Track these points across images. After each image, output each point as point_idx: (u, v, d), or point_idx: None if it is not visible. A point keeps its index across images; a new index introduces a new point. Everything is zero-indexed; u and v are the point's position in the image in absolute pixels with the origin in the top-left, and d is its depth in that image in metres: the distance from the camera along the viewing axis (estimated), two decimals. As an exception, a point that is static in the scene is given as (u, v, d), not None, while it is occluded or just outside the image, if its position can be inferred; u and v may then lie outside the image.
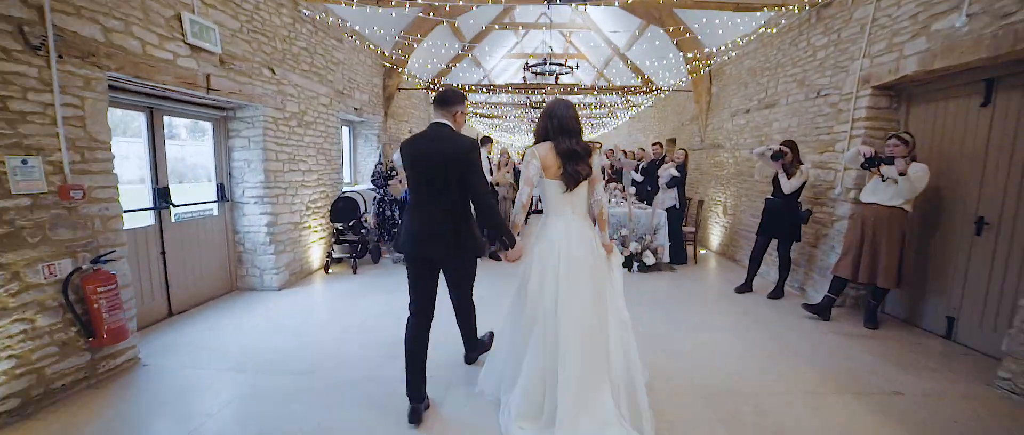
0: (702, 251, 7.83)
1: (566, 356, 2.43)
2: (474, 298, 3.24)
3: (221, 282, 5.01)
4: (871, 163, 3.91)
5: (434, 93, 11.84)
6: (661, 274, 6.19)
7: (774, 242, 5.13)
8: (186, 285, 4.49)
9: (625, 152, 9.55)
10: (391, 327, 4.16)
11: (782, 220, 4.90)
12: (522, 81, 11.50)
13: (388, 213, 7.11)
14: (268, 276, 5.22)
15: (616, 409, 2.43)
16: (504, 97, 16.53)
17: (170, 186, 4.22)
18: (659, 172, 6.82)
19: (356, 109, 7.56)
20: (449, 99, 2.74)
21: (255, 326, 4.19)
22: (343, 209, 6.16)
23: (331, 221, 6.21)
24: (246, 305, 4.77)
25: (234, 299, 4.94)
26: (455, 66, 11.61)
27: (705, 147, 8.58)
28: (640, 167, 8.15)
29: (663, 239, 6.40)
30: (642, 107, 13.07)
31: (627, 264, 6.17)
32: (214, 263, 4.89)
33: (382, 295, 5.16)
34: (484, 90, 11.95)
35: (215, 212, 4.96)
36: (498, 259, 6.77)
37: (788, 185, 4.76)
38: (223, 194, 4.99)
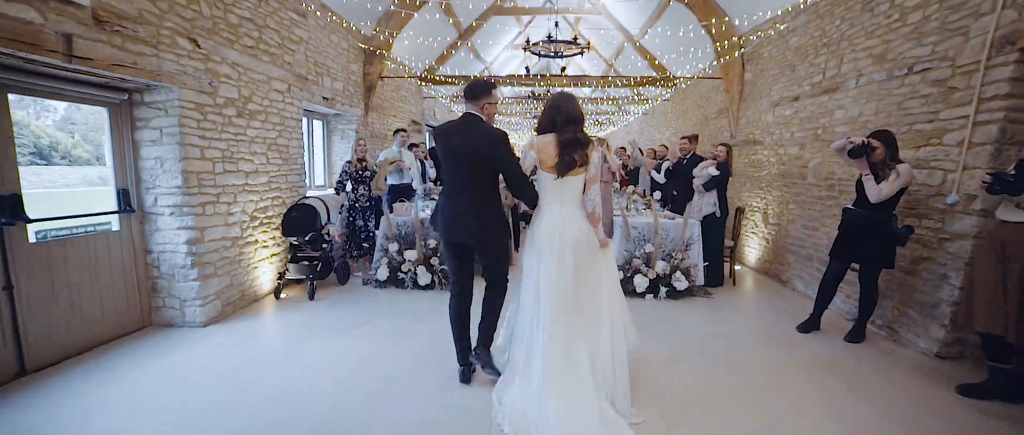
0: (736, 267, 6.52)
1: (544, 328, 2.56)
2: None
3: (126, 318, 3.79)
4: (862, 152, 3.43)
5: (426, 85, 10.61)
6: (694, 302, 4.91)
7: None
8: (60, 329, 3.26)
9: (643, 151, 8.24)
10: (344, 387, 2.93)
11: (868, 239, 3.60)
12: (524, 72, 10.24)
13: (360, 222, 5.87)
14: (191, 309, 3.99)
15: (592, 379, 2.53)
16: (506, 91, 15.24)
17: (24, 192, 2.99)
18: (694, 172, 5.54)
19: (326, 99, 6.33)
20: (475, 91, 2.82)
21: (144, 384, 2.97)
22: (297, 220, 4.92)
23: (283, 235, 4.98)
24: (152, 349, 3.55)
25: (140, 341, 3.71)
26: (452, 55, 10.37)
27: (737, 143, 7.28)
28: (664, 166, 6.86)
29: (697, 256, 5.13)
30: (657, 100, 11.76)
31: (652, 289, 4.90)
32: (113, 294, 3.67)
33: (338, 335, 3.92)
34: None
35: (115, 226, 3.73)
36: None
37: (876, 192, 3.48)
38: (127, 203, 3.76)
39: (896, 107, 3.98)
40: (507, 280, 3.01)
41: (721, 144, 5.50)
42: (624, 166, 9.09)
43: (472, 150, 2.70)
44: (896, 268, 3.74)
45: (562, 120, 2.62)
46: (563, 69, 10.24)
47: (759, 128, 6.61)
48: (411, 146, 7.10)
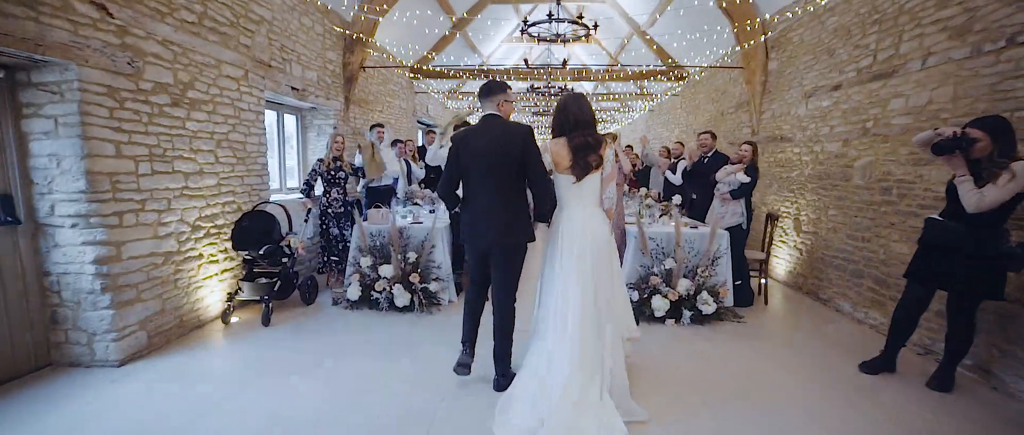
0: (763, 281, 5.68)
1: (565, 341, 2.49)
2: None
3: (13, 357, 2.95)
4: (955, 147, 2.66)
5: (419, 79, 9.77)
6: (724, 328, 4.07)
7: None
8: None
9: (669, 150, 7.35)
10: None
11: (962, 259, 2.75)
12: (523, 63, 9.40)
13: (335, 231, 5.03)
14: (102, 344, 3.15)
15: (600, 393, 2.44)
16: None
17: None
18: (718, 177, 4.71)
19: (296, 90, 5.49)
20: (490, 89, 2.80)
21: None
22: (249, 231, 4.08)
23: (233, 248, 4.14)
24: (48, 398, 2.72)
25: (35, 387, 2.88)
26: (445, 47, 9.52)
27: (760, 140, 6.44)
28: (682, 166, 6.02)
29: (726, 273, 4.29)
30: (665, 96, 10.90)
31: (674, 313, 4.06)
32: (-6, 329, 2.84)
33: (281, 384, 3.08)
34: (480, 74, 9.87)
35: (-3, 242, 2.90)
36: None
37: (976, 198, 2.63)
38: (8, 212, 2.92)
39: (988, 90, 3.13)
40: (514, 306, 2.84)
41: (746, 142, 4.66)
42: (633, 166, 8.25)
43: (500, 150, 2.63)
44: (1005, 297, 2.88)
45: (571, 123, 2.63)
46: (564, 62, 9.42)
47: (788, 123, 5.77)
48: (394, 143, 6.27)
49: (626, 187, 6.05)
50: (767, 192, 6.19)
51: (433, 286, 4.37)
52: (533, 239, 2.81)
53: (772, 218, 4.88)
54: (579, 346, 2.44)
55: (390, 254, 4.40)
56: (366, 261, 4.37)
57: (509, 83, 3.10)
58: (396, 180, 5.96)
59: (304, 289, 4.55)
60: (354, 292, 4.41)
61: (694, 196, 5.45)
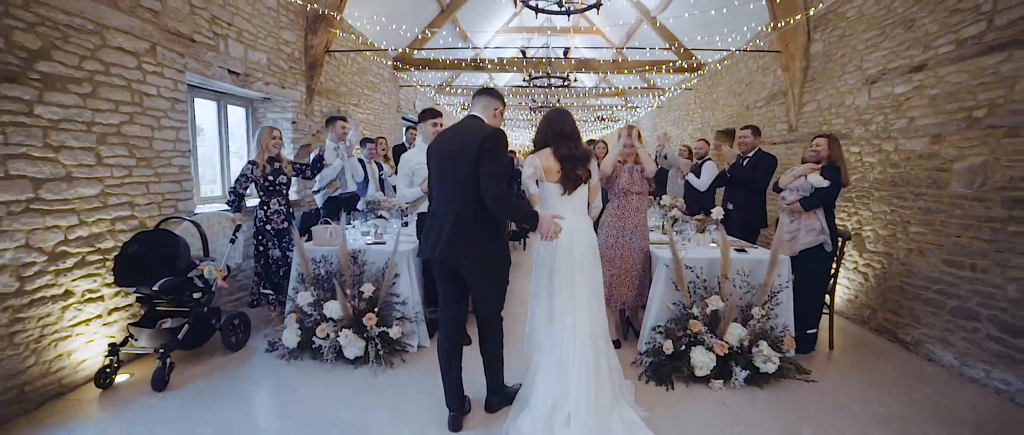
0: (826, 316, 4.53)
1: (574, 357, 2.38)
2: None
3: None
4: None
5: (407, 68, 8.62)
6: (787, 391, 2.92)
7: None
8: None
9: (690, 150, 6.15)
10: None
11: None
12: (519, 54, 8.27)
13: (276, 253, 3.87)
14: None
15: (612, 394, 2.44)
16: (500, 80, 13.25)
17: None
18: (783, 182, 3.58)
19: (236, 74, 4.34)
20: (486, 93, 2.54)
21: None
22: (137, 259, 2.92)
23: (116, 284, 2.98)
24: None
25: None
26: (434, 35, 8.37)
27: (800, 139, 5.31)
28: (709, 169, 4.88)
29: (788, 315, 3.16)
30: (676, 90, 9.76)
31: (722, 372, 2.91)
32: None
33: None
34: (474, 66, 8.73)
35: None
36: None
37: None
38: None
39: None
40: (501, 319, 2.57)
41: (819, 136, 3.53)
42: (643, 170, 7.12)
43: (459, 149, 2.32)
44: None
45: (553, 136, 2.52)
46: (566, 51, 8.28)
47: (841, 115, 4.63)
48: (364, 142, 5.12)
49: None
50: (812, 200, 5.04)
51: (396, 330, 3.22)
52: (498, 257, 2.46)
53: (844, 239, 3.71)
54: (587, 390, 2.32)
55: (340, 286, 3.26)
56: (305, 297, 3.22)
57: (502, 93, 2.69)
58: (363, 186, 4.81)
59: (228, 331, 3.40)
60: (291, 337, 3.26)
61: (730, 206, 4.31)
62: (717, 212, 3.67)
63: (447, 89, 11.48)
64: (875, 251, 4.07)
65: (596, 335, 2.44)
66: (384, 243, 3.58)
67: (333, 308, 3.18)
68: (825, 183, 3.38)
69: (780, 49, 5.51)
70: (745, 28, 6.55)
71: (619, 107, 13.49)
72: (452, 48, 8.80)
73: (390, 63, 8.49)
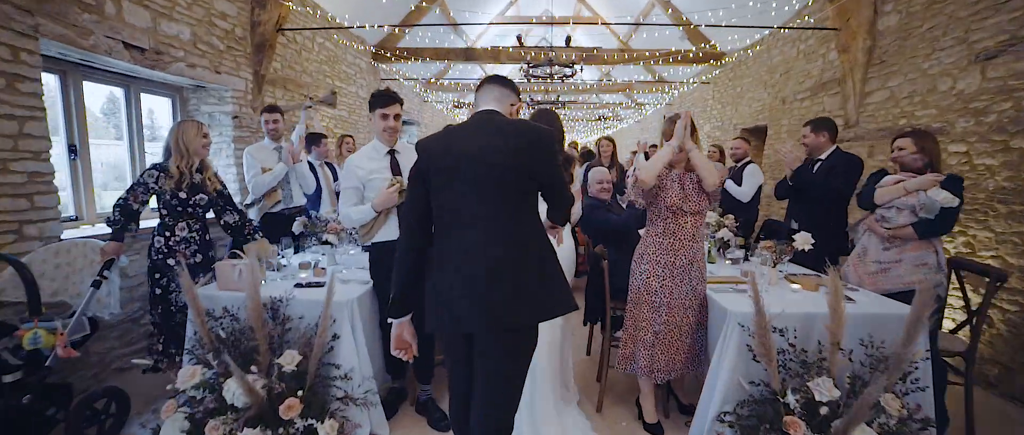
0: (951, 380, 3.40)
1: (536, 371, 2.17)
2: None
3: None
4: None
5: (390, 58, 7.48)
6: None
7: None
8: None
9: (722, 151, 4.98)
10: None
11: None
12: (516, 42, 7.15)
13: (174, 305, 2.70)
14: None
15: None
16: (491, 68, 12.01)
17: None
18: (879, 196, 2.48)
19: (140, 50, 3.20)
20: (497, 81, 1.68)
21: None
22: None
23: None
24: None
25: None
26: (420, 20, 7.24)
27: (862, 137, 4.22)
28: (752, 175, 3.79)
29: (929, 400, 2.04)
30: (693, 82, 8.64)
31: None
32: None
33: None
34: (464, 56, 7.60)
35: None
36: None
37: None
38: None
39: None
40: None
41: (905, 134, 2.48)
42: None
43: (494, 154, 1.46)
44: None
45: None
46: (568, 39, 7.17)
47: (933, 105, 3.53)
48: (313, 140, 3.99)
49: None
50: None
51: (330, 426, 2.08)
52: (572, 307, 1.57)
53: (956, 265, 2.61)
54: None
55: (251, 352, 2.13)
56: (189, 375, 2.08)
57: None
58: (315, 199, 3.68)
59: (84, 419, 2.25)
60: (174, 432, 2.12)
61: (795, 225, 3.19)
62: (803, 238, 2.54)
63: (438, 84, 10.33)
64: (1007, 288, 2.97)
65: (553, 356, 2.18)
66: (323, 285, 2.45)
67: (234, 391, 2.04)
68: (955, 201, 2.29)
69: (838, 26, 4.40)
70: (773, 11, 5.44)
71: (623, 105, 12.38)
72: (440, 23, 7.66)
73: (370, 49, 7.35)
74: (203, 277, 2.46)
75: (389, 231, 2.37)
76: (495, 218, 1.48)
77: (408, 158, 2.44)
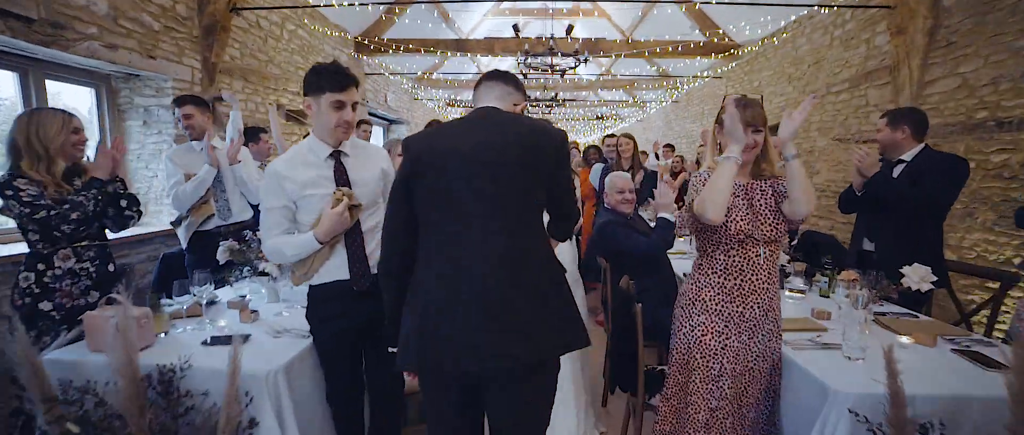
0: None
1: None
2: None
3: None
4: None
5: (366, 51, 6.75)
6: None
7: None
8: None
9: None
10: None
11: None
12: (513, 33, 6.43)
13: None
14: None
15: None
16: (485, 63, 11.24)
17: None
18: None
19: (27, 21, 2.45)
20: (499, 77, 1.41)
21: None
22: None
23: None
24: None
25: None
26: (405, 8, 6.51)
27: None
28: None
29: None
30: (704, 77, 7.95)
31: None
32: None
33: None
34: (456, 48, 6.88)
35: None
36: None
37: None
38: None
39: None
40: None
41: None
42: (674, 172, 5.30)
43: (496, 152, 1.23)
44: None
45: None
46: (569, 28, 6.46)
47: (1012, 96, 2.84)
48: (250, 135, 3.25)
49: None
50: (962, 226, 3.24)
51: None
52: (585, 342, 1.33)
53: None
54: None
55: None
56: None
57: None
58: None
59: None
60: None
61: (869, 246, 2.48)
62: (917, 274, 1.83)
63: (428, 81, 9.59)
64: None
65: None
66: (249, 336, 1.73)
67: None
68: None
69: (891, 3, 3.71)
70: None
71: (625, 103, 11.69)
72: (431, 9, 6.92)
73: (352, 38, 6.61)
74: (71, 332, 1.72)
75: (335, 267, 1.64)
76: (499, 230, 1.23)
77: (363, 162, 1.71)
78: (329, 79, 1.56)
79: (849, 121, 4.42)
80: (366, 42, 6.64)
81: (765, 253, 1.56)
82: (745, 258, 1.55)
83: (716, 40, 6.70)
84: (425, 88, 9.82)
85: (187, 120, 2.62)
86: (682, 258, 3.22)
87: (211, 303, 2.15)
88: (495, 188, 1.23)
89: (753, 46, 6.17)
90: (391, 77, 8.15)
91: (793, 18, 5.25)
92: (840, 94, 4.59)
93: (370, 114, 7.53)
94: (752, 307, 1.55)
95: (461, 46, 6.76)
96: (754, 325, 1.56)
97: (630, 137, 4.13)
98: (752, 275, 1.55)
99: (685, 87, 8.79)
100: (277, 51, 4.89)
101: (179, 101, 2.69)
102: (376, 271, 1.64)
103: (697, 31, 6.82)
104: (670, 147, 6.43)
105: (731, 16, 6.07)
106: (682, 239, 3.43)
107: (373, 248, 1.67)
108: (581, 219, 4.08)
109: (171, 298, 1.87)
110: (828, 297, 2.32)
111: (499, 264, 1.21)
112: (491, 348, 1.18)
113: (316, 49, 5.72)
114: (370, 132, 4.71)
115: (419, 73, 9.03)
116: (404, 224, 1.30)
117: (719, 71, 7.34)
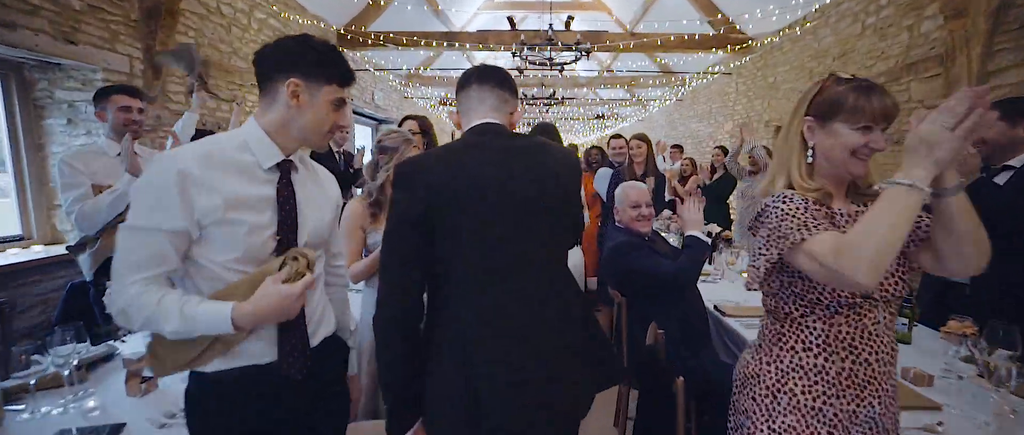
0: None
1: None
2: None
3: None
4: None
5: (351, 45, 6.18)
6: None
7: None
8: None
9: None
10: None
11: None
12: (508, 26, 5.89)
13: None
14: None
15: None
16: (482, 58, 10.67)
17: None
18: None
19: None
20: (492, 78, 1.19)
21: None
22: None
23: None
24: None
25: None
26: (390, 2, 5.95)
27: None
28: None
29: None
30: (712, 73, 7.40)
31: None
32: None
33: None
34: (446, 40, 6.33)
35: None
36: None
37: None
38: None
39: None
40: None
41: None
42: (684, 176, 4.76)
43: (537, 185, 1.11)
44: None
45: None
46: (569, 20, 5.91)
47: None
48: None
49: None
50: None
51: None
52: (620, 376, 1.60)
53: None
54: None
55: None
56: None
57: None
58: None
59: None
60: None
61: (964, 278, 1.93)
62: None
63: (418, 77, 9.01)
64: None
65: None
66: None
67: None
68: None
69: (945, -20, 3.16)
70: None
71: (625, 101, 11.13)
72: (409, 32, 6.34)
73: (334, 29, 6.04)
74: None
75: (251, 346, 1.03)
76: (540, 276, 1.12)
77: (316, 189, 1.17)
78: (336, 67, 1.05)
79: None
80: (349, 35, 6.07)
81: (884, 318, 1.00)
82: (857, 328, 0.99)
83: (725, 32, 6.16)
84: (416, 86, 9.25)
85: (124, 114, 2.06)
86: (706, 280, 2.67)
87: (107, 358, 1.60)
88: (540, 228, 1.13)
89: (769, 38, 5.62)
90: (378, 74, 7.57)
91: (816, 7, 4.71)
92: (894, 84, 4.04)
93: (355, 113, 6.96)
94: (869, 403, 0.99)
95: (452, 39, 6.19)
96: (871, 426, 1.00)
97: (643, 139, 3.52)
98: (868, 353, 0.99)
99: (691, 83, 8.24)
100: (244, 42, 4.32)
101: (105, 92, 2.13)
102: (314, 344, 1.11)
103: (705, 23, 6.29)
104: (678, 148, 5.89)
105: (744, 5, 5.53)
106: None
107: (314, 309, 1.12)
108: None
109: (46, 353, 1.30)
110: (908, 343, 1.78)
111: (551, 329, 1.10)
112: (550, 423, 1.08)
113: (278, 31, 5.14)
114: (346, 137, 4.15)
115: (406, 70, 8.44)
116: (419, 265, 1.06)
117: (730, 66, 6.79)
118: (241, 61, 4.26)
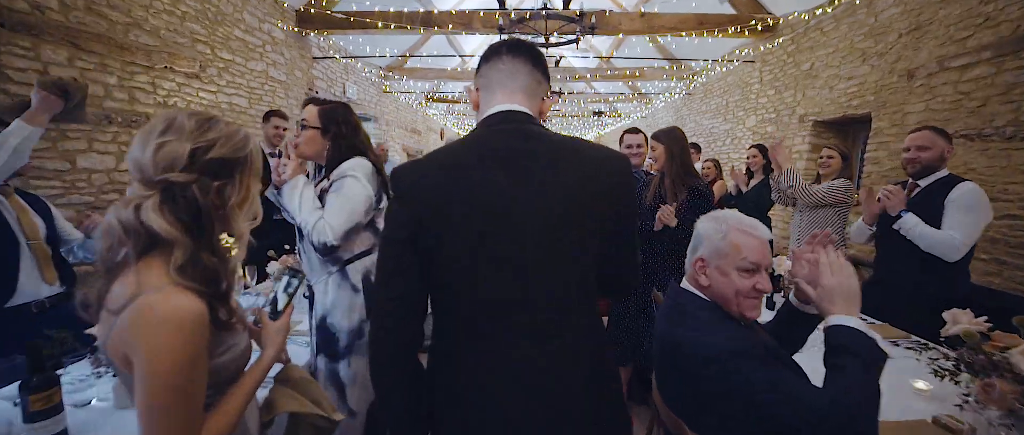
0: None
1: None
2: None
3: None
4: None
5: (315, 29, 5.20)
6: None
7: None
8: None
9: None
10: None
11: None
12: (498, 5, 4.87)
13: None
14: None
15: None
16: (472, 42, 9.70)
17: None
18: None
19: None
20: (521, 51, 0.93)
21: None
22: None
23: None
24: None
25: None
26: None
27: None
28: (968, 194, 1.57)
29: None
30: (732, 60, 6.42)
31: None
32: None
33: None
34: (426, 22, 5.32)
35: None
36: None
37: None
38: None
39: None
40: None
41: None
42: (699, 192, 3.79)
43: (562, 202, 0.84)
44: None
45: None
46: (567, 2, 4.92)
47: None
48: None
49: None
50: None
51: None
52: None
53: None
54: None
55: None
56: None
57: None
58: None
59: None
60: None
61: None
62: None
63: (400, 70, 7.99)
64: None
65: None
66: None
67: None
68: None
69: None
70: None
71: (627, 96, 10.15)
72: (379, 13, 5.31)
73: (292, 9, 5.03)
74: None
75: None
76: (564, 319, 0.87)
77: None
78: None
79: (987, 108, 2.93)
80: (312, 13, 5.06)
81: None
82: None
83: (747, 12, 5.21)
84: (397, 78, 8.22)
85: None
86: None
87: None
88: (564, 257, 0.85)
89: (804, 14, 4.65)
90: (349, 62, 6.55)
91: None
92: (968, 69, 3.08)
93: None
94: None
95: (428, 21, 5.18)
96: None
97: (669, 137, 2.45)
98: None
99: (703, 75, 7.26)
100: (156, 13, 3.31)
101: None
102: None
103: (725, 2, 5.32)
104: (696, 148, 4.94)
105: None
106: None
107: None
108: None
109: None
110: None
111: (578, 380, 0.87)
112: None
113: (233, 19, 4.13)
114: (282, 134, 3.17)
115: (391, 55, 7.41)
116: (418, 290, 0.87)
117: (754, 52, 5.82)
118: (150, 37, 3.25)
